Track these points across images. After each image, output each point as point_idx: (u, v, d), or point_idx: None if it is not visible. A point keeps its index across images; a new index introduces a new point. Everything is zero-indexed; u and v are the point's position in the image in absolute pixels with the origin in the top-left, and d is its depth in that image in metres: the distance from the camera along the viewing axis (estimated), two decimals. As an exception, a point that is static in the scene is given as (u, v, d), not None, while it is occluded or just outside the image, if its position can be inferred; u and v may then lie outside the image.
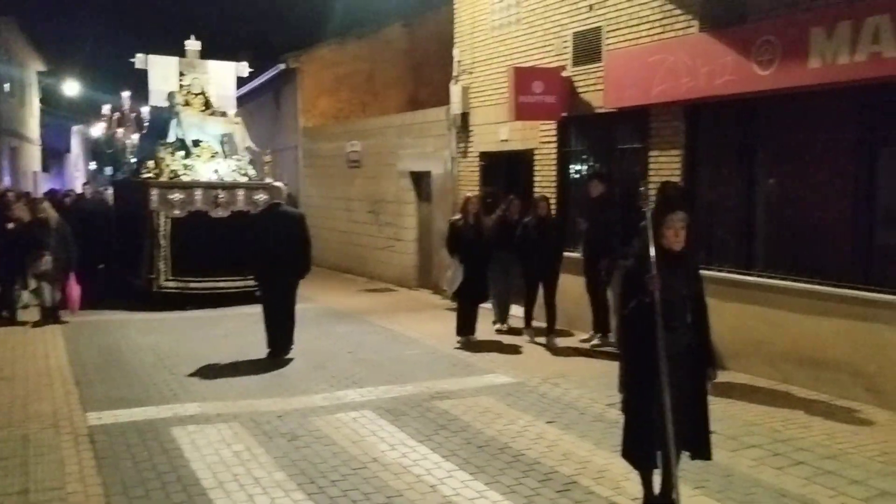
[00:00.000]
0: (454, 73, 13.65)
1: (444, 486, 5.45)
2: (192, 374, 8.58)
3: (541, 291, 10.16)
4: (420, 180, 15.18)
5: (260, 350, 9.36)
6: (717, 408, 5.48)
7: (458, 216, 10.46)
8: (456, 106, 13.49)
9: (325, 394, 7.82)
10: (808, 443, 6.28)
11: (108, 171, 37.83)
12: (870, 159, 7.49)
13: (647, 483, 4.87)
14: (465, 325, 10.12)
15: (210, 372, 8.70)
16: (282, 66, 20.77)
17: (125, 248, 14.45)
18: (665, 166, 9.37)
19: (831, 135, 7.87)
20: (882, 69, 6.90)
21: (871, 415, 7.01)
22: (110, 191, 19.00)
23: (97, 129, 39.07)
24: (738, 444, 6.21)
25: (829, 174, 7.88)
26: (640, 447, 4.75)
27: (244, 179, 14.09)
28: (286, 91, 21.74)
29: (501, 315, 11.04)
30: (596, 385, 7.87)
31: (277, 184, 10.18)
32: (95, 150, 42.78)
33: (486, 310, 10.65)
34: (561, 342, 9.96)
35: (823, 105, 7.85)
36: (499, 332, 10.75)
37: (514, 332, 10.64)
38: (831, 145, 7.88)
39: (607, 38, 10.27)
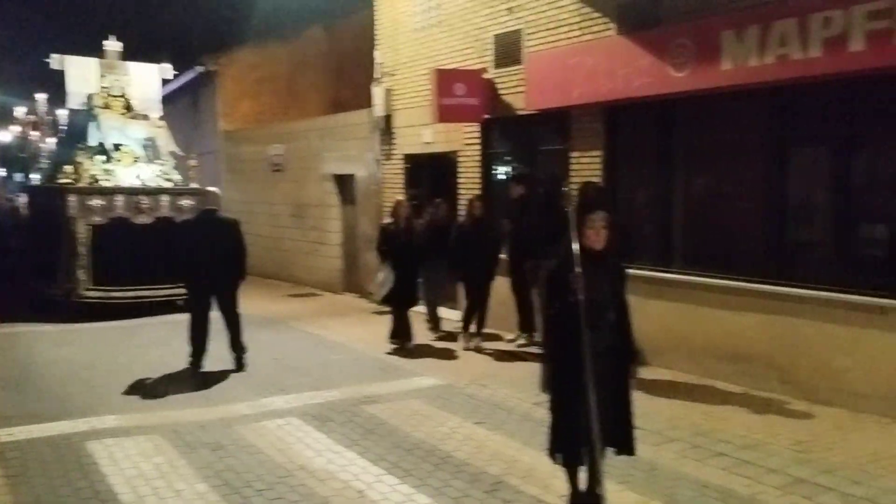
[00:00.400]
0: (376, 76, 13.60)
1: (372, 491, 5.41)
2: (109, 386, 8.29)
3: None
4: (344, 183, 15.07)
5: (182, 359, 9.11)
6: (641, 404, 5.55)
7: (389, 220, 10.39)
8: (378, 108, 13.44)
9: (250, 402, 7.67)
10: (728, 435, 6.45)
11: (19, 177, 36.50)
12: (781, 158, 7.75)
13: (573, 480, 4.92)
14: (400, 331, 10.04)
15: (129, 383, 8.43)
16: (200, 69, 20.36)
17: (41, 258, 13.90)
18: (586, 167, 9.51)
19: (744, 135, 8.12)
20: (789, 71, 7.14)
21: (786, 405, 7.25)
22: (23, 198, 18.33)
23: (7, 134, 37.70)
24: (662, 439, 6.34)
25: (744, 173, 8.14)
26: (566, 445, 4.80)
27: (169, 185, 13.74)
28: (205, 94, 21.30)
29: (434, 320, 11.02)
30: (523, 385, 7.91)
31: (213, 189, 9.84)
32: (5, 156, 41.19)
33: (417, 314, 10.60)
34: (489, 344, 10.00)
35: (737, 106, 8.09)
36: (439, 339, 10.62)
37: (449, 336, 10.56)
38: (745, 145, 8.13)
39: (527, 41, 10.37)
